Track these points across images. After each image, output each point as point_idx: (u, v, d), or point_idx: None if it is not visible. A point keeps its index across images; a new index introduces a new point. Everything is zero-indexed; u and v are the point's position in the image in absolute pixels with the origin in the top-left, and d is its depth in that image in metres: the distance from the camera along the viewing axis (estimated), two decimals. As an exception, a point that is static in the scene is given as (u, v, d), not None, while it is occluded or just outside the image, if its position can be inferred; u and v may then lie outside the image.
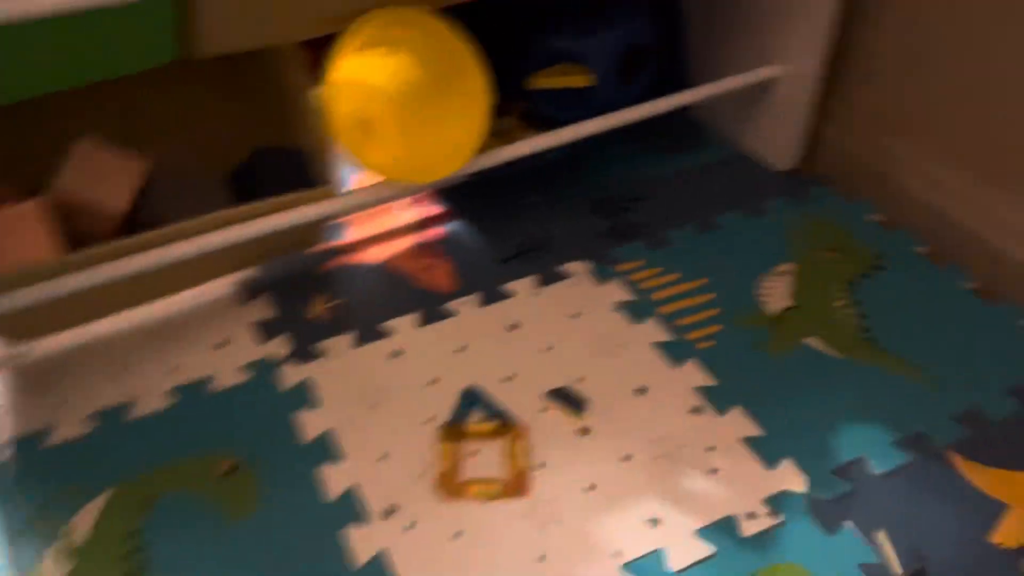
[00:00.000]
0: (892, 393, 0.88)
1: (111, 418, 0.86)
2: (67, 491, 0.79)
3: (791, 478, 0.80)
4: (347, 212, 1.00)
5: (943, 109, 1.01)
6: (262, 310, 0.99)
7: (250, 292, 1.01)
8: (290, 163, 0.92)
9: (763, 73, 1.15)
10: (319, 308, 0.99)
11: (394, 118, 0.89)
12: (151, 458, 0.82)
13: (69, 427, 0.85)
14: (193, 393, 0.89)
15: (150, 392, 0.89)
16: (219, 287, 1.01)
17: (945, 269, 1.03)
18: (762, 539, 0.75)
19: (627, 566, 0.73)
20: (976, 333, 0.95)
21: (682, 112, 1.32)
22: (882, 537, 0.75)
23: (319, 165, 0.94)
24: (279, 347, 0.94)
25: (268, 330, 0.96)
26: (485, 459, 0.82)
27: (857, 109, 1.13)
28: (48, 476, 0.80)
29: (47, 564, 0.73)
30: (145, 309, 0.98)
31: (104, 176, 0.84)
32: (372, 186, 0.94)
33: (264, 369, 0.91)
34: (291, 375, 0.91)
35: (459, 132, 0.94)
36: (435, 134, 0.93)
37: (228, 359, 0.92)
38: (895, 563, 0.73)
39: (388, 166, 0.91)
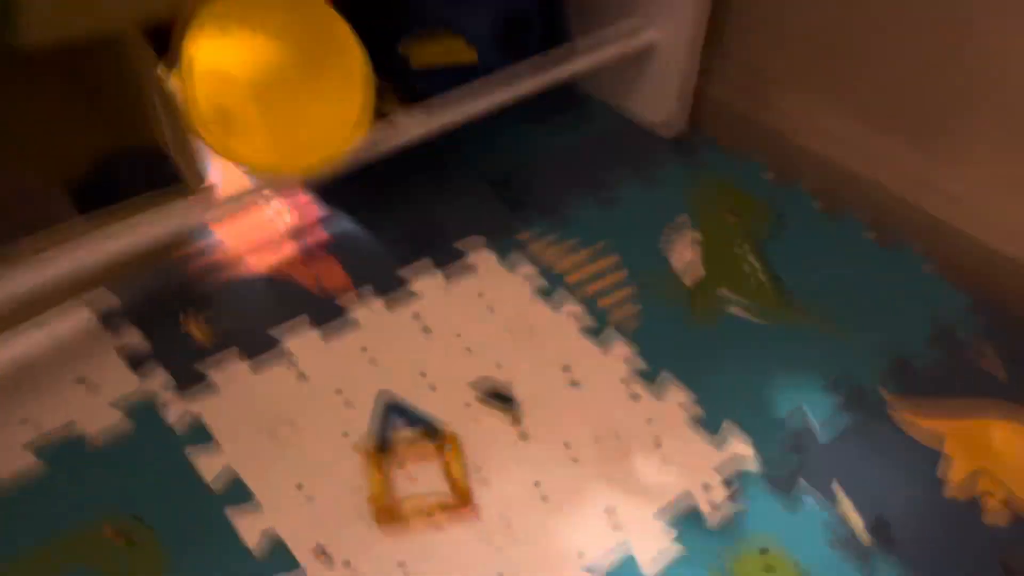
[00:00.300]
0: (821, 350, 0.86)
1: (-45, 491, 0.71)
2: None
3: (740, 448, 0.77)
4: (217, 214, 0.87)
5: (822, 59, 1.01)
6: (128, 337, 0.85)
7: (110, 318, 0.87)
8: (146, 167, 0.78)
9: (642, 38, 1.12)
10: (197, 329, 0.86)
11: (256, 107, 0.79)
12: (25, 538, 0.67)
13: (-101, 510, 0.69)
14: (58, 449, 0.74)
15: (4, 453, 0.73)
16: (71, 314, 0.86)
17: (844, 220, 1.04)
18: (726, 518, 0.71)
19: (591, 567, 0.67)
20: (884, 280, 0.95)
21: (565, 83, 1.26)
22: (839, 492, 0.73)
23: (180, 165, 0.81)
24: (155, 380, 0.81)
25: (139, 361, 0.82)
26: (418, 476, 0.73)
27: (738, 67, 1.11)
28: None
29: None
30: (-19, 353, 0.82)
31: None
32: (243, 183, 0.82)
33: (140, 408, 0.78)
34: (176, 412, 0.78)
35: (334, 117, 0.84)
36: (306, 121, 0.82)
37: (95, 401, 0.78)
38: (857, 520, 0.71)
39: (257, 160, 0.80)
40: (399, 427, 0.77)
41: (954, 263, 0.96)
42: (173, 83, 0.80)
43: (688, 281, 0.94)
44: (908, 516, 0.72)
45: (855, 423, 0.79)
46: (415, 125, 0.93)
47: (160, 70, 0.78)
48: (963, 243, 0.95)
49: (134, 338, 0.84)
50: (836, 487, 0.74)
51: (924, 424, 0.79)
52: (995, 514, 0.72)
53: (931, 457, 0.77)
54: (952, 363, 0.85)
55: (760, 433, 0.78)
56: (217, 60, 0.76)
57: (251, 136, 0.79)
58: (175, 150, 0.80)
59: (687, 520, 0.71)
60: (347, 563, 0.67)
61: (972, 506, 0.73)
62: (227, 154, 0.78)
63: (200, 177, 0.79)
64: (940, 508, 0.73)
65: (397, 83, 1.03)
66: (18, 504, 0.70)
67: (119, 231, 0.74)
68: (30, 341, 0.83)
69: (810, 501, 0.73)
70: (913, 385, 0.83)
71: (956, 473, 0.75)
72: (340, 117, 0.84)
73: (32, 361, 0.81)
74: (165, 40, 0.79)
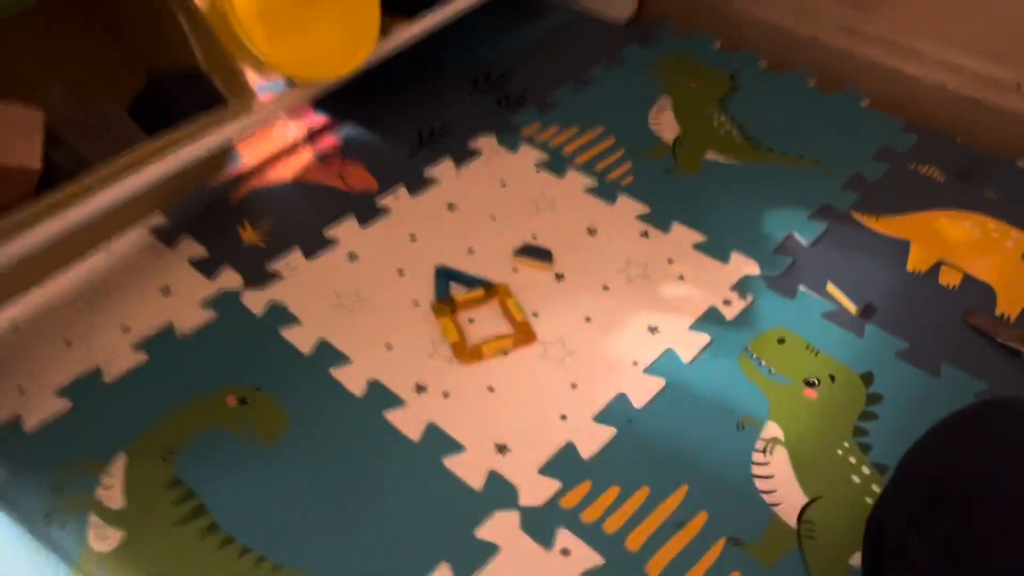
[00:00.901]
0: (791, 181, 1.01)
1: (84, 389, 0.79)
2: (75, 467, 0.73)
3: (745, 265, 0.91)
4: (254, 126, 0.94)
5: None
6: (191, 250, 0.93)
7: (168, 237, 0.95)
8: (193, 84, 0.86)
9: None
10: (250, 235, 0.95)
11: (291, 11, 0.87)
12: (151, 411, 0.77)
13: (40, 410, 0.77)
14: (162, 343, 0.83)
15: (114, 355, 0.82)
16: (134, 239, 0.94)
17: (789, 74, 1.18)
18: (743, 317, 0.86)
19: (648, 369, 0.81)
20: (830, 119, 1.10)
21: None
22: (831, 288, 0.88)
23: (218, 82, 0.88)
24: (228, 279, 0.90)
25: (208, 267, 0.91)
26: (484, 322, 0.85)
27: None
28: (45, 460, 0.73)
29: (93, 542, 0.68)
30: (68, 275, 0.89)
31: (6, 137, 0.74)
32: (285, 92, 0.91)
33: (225, 302, 0.87)
34: (256, 301, 0.88)
35: (356, 26, 0.93)
36: (330, 30, 0.91)
37: (181, 303, 0.87)
38: (849, 304, 0.86)
39: (293, 64, 0.88)
40: (456, 287, 0.89)
41: (887, 96, 1.12)
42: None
43: (669, 139, 1.07)
44: (885, 292, 0.88)
45: (832, 231, 0.95)
46: (401, 32, 1.01)
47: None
48: (893, 77, 1.11)
49: (198, 250, 0.93)
50: (828, 283, 0.89)
51: (883, 226, 0.95)
52: (948, 277, 0.89)
53: (897, 247, 0.93)
54: (896, 172, 1.02)
55: (759, 251, 0.92)
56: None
57: (286, 41, 0.87)
58: (212, 68, 0.88)
59: (712, 321, 0.85)
60: (445, 393, 0.79)
61: (931, 275, 0.90)
62: (266, 59, 0.85)
63: (242, 90, 0.87)
64: (907, 280, 0.89)
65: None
66: (138, 387, 0.79)
67: (190, 145, 0.82)
68: (106, 262, 0.91)
69: (809, 296, 0.88)
70: (870, 193, 0.99)
71: (914, 254, 0.92)
72: (361, 27, 0.93)
73: (114, 278, 0.89)
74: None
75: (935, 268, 0.91)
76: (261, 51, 0.84)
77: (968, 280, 0.89)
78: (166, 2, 0.86)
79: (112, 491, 0.71)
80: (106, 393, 0.79)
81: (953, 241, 0.94)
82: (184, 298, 0.87)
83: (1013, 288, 0.88)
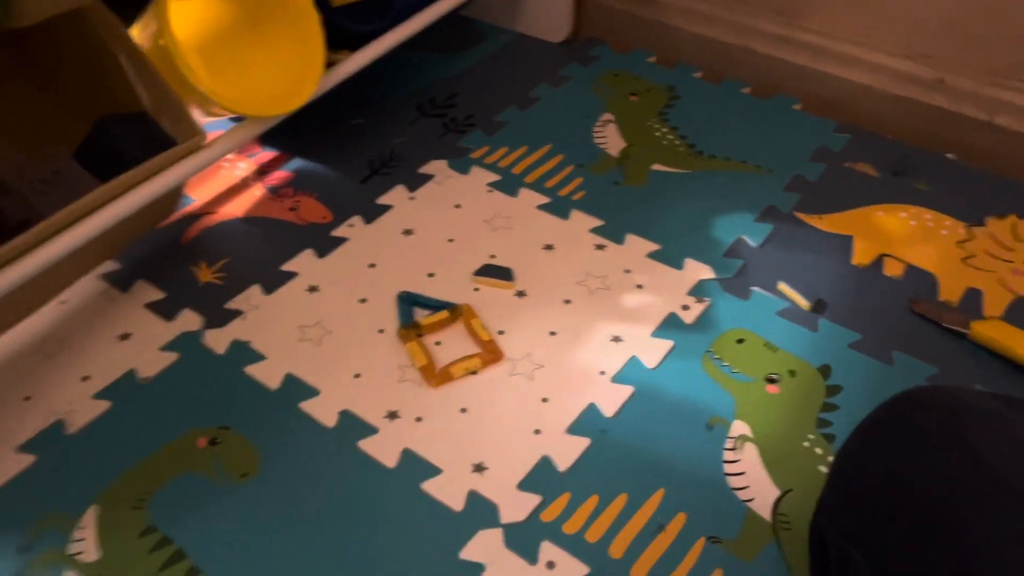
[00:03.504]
0: (735, 186, 1.04)
1: (47, 442, 0.77)
2: (44, 523, 0.71)
3: (699, 271, 0.94)
4: (203, 165, 0.93)
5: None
6: (147, 294, 0.92)
7: (121, 282, 0.93)
8: (139, 127, 0.85)
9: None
10: (206, 274, 0.94)
11: (233, 53, 0.87)
12: (119, 461, 0.76)
13: (3, 466, 0.75)
14: (124, 390, 0.82)
15: (75, 405, 0.80)
16: (87, 286, 0.92)
17: (725, 84, 1.22)
18: (702, 321, 0.88)
19: (616, 378, 0.83)
20: (766, 123, 1.14)
21: (456, 15, 1.37)
22: (783, 287, 0.91)
23: (164, 123, 0.88)
24: (188, 320, 0.89)
25: (165, 309, 0.90)
26: (451, 344, 0.86)
27: (611, -30, 1.27)
28: (12, 520, 0.71)
29: (68, 597, 0.66)
30: (22, 328, 0.87)
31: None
32: (233, 128, 0.91)
33: (186, 344, 0.86)
34: (217, 340, 0.87)
35: (300, 64, 0.94)
36: (274, 67, 0.92)
37: (141, 347, 0.86)
38: (802, 301, 0.89)
39: (237, 101, 0.88)
40: (419, 312, 0.89)
41: (819, 99, 1.17)
42: (144, 39, 0.87)
43: (615, 153, 1.10)
44: (834, 287, 0.91)
45: (778, 232, 0.98)
46: (346, 64, 1.02)
47: (128, 31, 0.85)
48: (823, 81, 1.16)
49: (154, 293, 0.92)
50: (780, 282, 0.92)
51: (826, 223, 0.99)
52: (892, 268, 0.93)
53: (841, 243, 0.97)
54: (833, 171, 1.06)
55: (711, 255, 0.95)
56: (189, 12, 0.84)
57: (231, 78, 0.87)
58: (157, 110, 0.87)
59: (673, 327, 0.87)
60: (418, 418, 0.79)
61: (875, 267, 0.93)
62: (212, 95, 0.85)
63: (190, 129, 0.86)
64: (853, 274, 0.93)
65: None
66: (104, 436, 0.78)
67: (143, 186, 0.81)
68: (60, 312, 0.89)
69: (762, 295, 0.91)
70: (810, 193, 1.03)
71: (858, 248, 0.96)
72: (305, 62, 0.93)
73: (69, 328, 0.87)
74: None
75: (879, 260, 0.95)
76: (208, 88, 0.83)
77: (911, 270, 0.93)
78: (107, 45, 0.86)
79: (86, 544, 0.69)
80: (70, 445, 0.77)
81: (893, 233, 0.98)
82: (143, 343, 0.86)
83: (953, 274, 0.93)
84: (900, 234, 0.98)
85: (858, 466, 0.54)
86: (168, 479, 0.74)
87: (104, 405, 0.80)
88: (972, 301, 0.90)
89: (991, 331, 0.84)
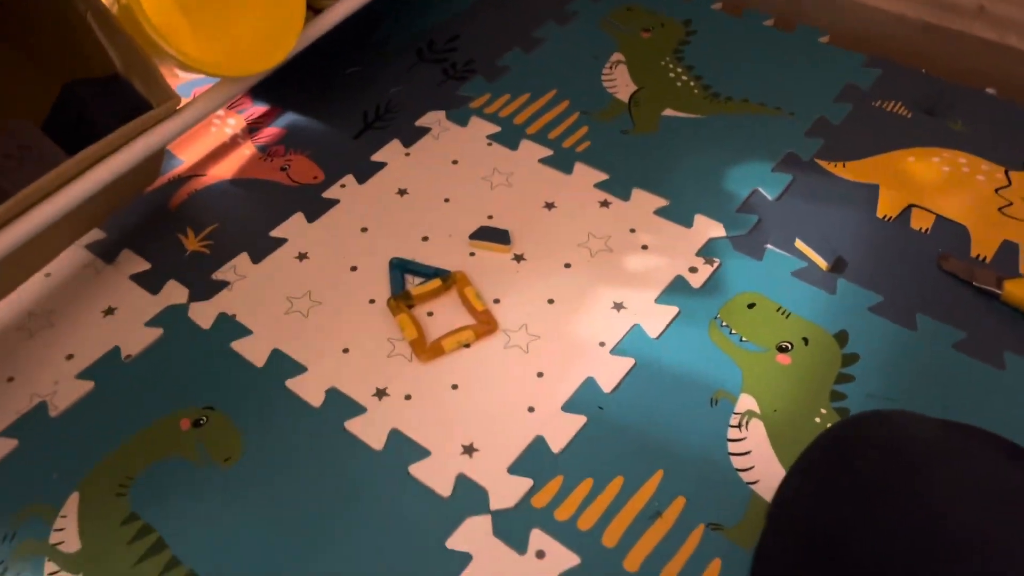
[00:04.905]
0: (752, 131, 0.97)
1: (29, 424, 0.76)
2: (26, 512, 0.70)
3: (710, 228, 0.88)
4: (182, 128, 0.89)
5: None
6: (132, 265, 0.89)
7: (106, 253, 0.90)
8: (111, 91, 0.81)
9: None
10: (193, 242, 0.91)
11: (206, 9, 0.82)
12: (102, 444, 0.74)
13: (-14, 453, 0.74)
14: (108, 368, 0.80)
15: (60, 385, 0.78)
16: (71, 258, 0.89)
17: (745, 16, 1.13)
18: (710, 284, 0.83)
19: (615, 349, 0.78)
20: (791, 60, 1.05)
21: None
22: (799, 244, 0.85)
23: (138, 86, 0.83)
24: (174, 293, 0.86)
25: (151, 281, 0.87)
26: (444, 314, 0.82)
27: None
28: (-5, 508, 0.70)
29: (49, 589, 0.65)
30: (4, 305, 0.85)
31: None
32: (211, 90, 0.86)
33: (171, 318, 0.83)
34: (203, 314, 0.84)
35: (279, 16, 0.88)
36: (253, 22, 0.86)
37: (126, 323, 0.83)
38: (819, 260, 0.83)
39: (210, 62, 0.83)
40: (412, 280, 0.85)
41: (847, 30, 1.07)
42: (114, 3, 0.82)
43: (625, 98, 1.03)
44: (855, 243, 0.85)
45: (797, 183, 0.91)
46: (336, 8, 0.96)
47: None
48: (852, 10, 1.06)
49: (140, 264, 0.89)
50: (796, 239, 0.85)
51: (850, 171, 0.92)
52: (920, 220, 0.86)
53: (866, 193, 0.89)
54: (861, 112, 0.97)
55: (723, 211, 0.89)
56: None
57: (204, 38, 0.82)
58: (130, 72, 0.83)
59: (679, 291, 0.82)
60: (407, 396, 0.76)
61: (902, 220, 0.86)
62: (188, 62, 0.80)
63: (164, 92, 0.82)
64: (877, 228, 0.86)
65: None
66: (85, 418, 0.76)
67: (117, 156, 0.77)
68: (43, 287, 0.87)
69: (777, 254, 0.85)
70: (834, 138, 0.95)
71: (884, 198, 0.88)
72: (285, 11, 0.87)
73: (53, 304, 0.85)
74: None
75: (906, 212, 0.88)
76: (176, 49, 0.78)
77: (940, 222, 0.86)
78: (74, 5, 0.81)
79: (67, 533, 0.68)
80: (53, 428, 0.75)
81: (923, 181, 0.90)
82: (128, 318, 0.84)
83: (987, 226, 0.85)
84: (931, 181, 0.90)
85: (798, 514, 0.50)
86: (151, 463, 0.73)
87: (87, 386, 0.78)
88: (1008, 256, 0.83)
89: (1026, 291, 0.78)
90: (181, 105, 0.84)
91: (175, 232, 0.92)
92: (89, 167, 0.78)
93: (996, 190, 0.89)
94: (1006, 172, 0.90)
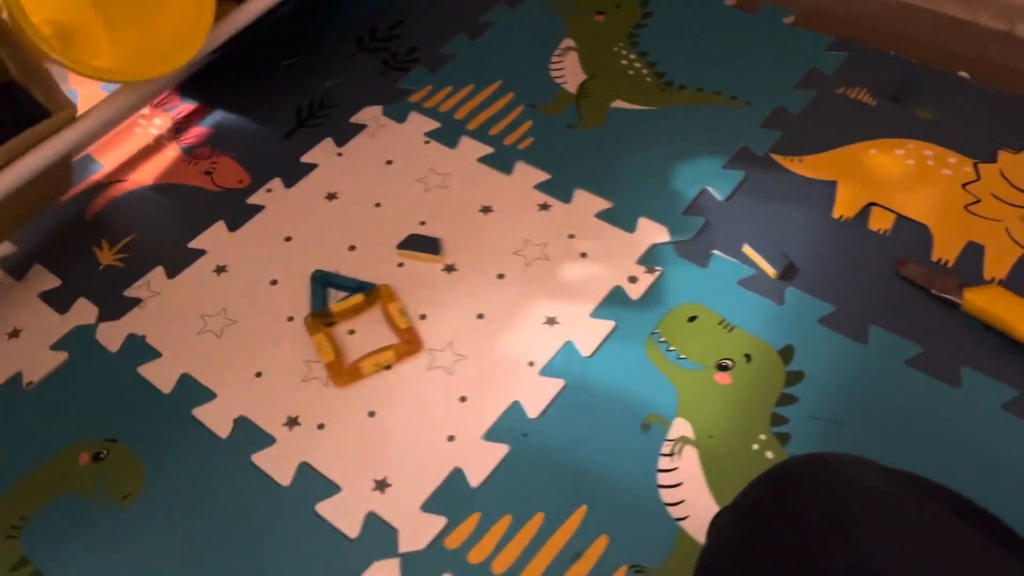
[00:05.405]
0: (706, 124, 0.91)
1: (-79, 464, 0.72)
2: (-89, 561, 0.66)
3: (653, 232, 0.82)
4: (97, 133, 0.84)
5: None
6: (43, 282, 0.84)
7: (16, 269, 0.85)
8: (8, 97, 0.75)
9: None
10: (108, 256, 0.86)
11: (96, 16, 0.76)
12: (-5, 483, 0.70)
13: None
14: (8, 397, 0.75)
15: (-45, 418, 0.74)
16: (-23, 276, 0.85)
17: (704, -5, 1.06)
18: (650, 294, 0.77)
19: (544, 370, 0.73)
20: (752, 44, 0.99)
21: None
22: (747, 250, 0.79)
23: (35, 94, 0.78)
24: (83, 312, 0.81)
25: (60, 299, 0.82)
26: (366, 333, 0.77)
27: None
28: None
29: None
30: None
31: None
32: (112, 96, 0.80)
33: (78, 340, 0.79)
34: (111, 336, 0.79)
35: (182, 15, 0.81)
36: (153, 25, 0.80)
37: (30, 346, 0.79)
38: (768, 267, 0.77)
39: (108, 70, 0.78)
40: (334, 295, 0.80)
41: (813, 9, 1.00)
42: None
43: (572, 88, 0.96)
44: (808, 247, 0.79)
45: (749, 180, 0.85)
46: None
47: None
48: (817, -11, 0.99)
49: (50, 281, 0.84)
50: (744, 245, 0.79)
51: (806, 167, 0.86)
52: (879, 220, 0.80)
53: (822, 190, 0.83)
54: (822, 101, 0.91)
55: (669, 213, 0.83)
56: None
57: (98, 47, 0.77)
58: (25, 79, 0.77)
59: (617, 304, 0.77)
60: (320, 425, 0.71)
61: (860, 219, 0.80)
62: (78, 68, 0.75)
63: (60, 100, 0.76)
64: (833, 229, 0.80)
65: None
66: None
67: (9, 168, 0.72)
68: (-57, 309, 0.82)
69: (723, 260, 0.79)
70: (792, 130, 0.88)
71: (841, 196, 0.82)
72: (191, 13, 0.81)
73: (-47, 327, 0.81)
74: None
75: (865, 211, 0.82)
76: (60, 55, 0.73)
77: (901, 222, 0.80)
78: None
79: (-48, 582, 0.64)
80: (-53, 466, 0.71)
81: (884, 176, 0.84)
82: (33, 340, 0.79)
83: (950, 227, 0.79)
84: (893, 177, 0.84)
85: (735, 565, 0.45)
86: (47, 501, 0.68)
87: (-10, 417, 0.74)
88: (972, 260, 0.77)
89: (987, 301, 0.72)
90: (80, 113, 0.78)
91: (90, 245, 0.87)
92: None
93: (963, 185, 0.82)
94: (975, 165, 0.83)
